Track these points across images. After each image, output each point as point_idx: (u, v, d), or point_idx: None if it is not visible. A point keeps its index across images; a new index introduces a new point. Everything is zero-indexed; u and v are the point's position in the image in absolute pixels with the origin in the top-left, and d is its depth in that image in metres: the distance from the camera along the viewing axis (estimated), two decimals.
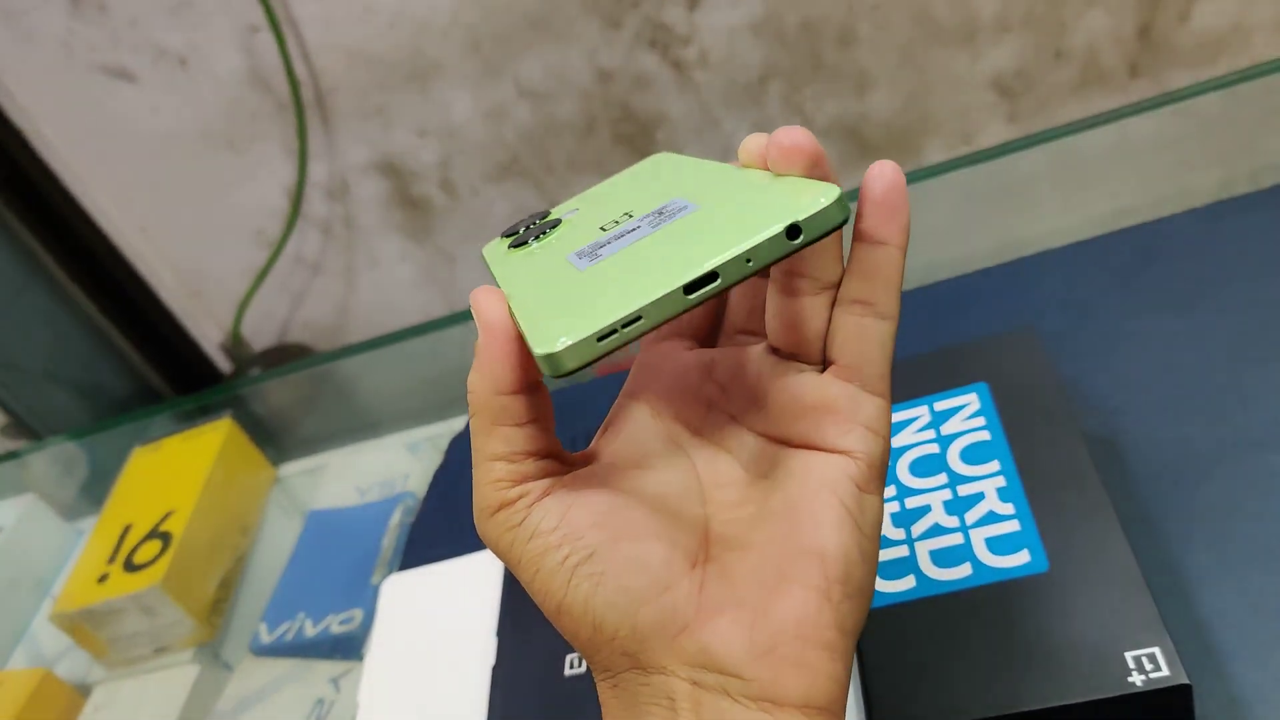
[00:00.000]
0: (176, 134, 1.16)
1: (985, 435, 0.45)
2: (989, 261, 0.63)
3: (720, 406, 0.34)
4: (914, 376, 0.49)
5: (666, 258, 0.29)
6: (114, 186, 1.19)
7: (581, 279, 0.30)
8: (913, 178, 0.75)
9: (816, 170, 0.30)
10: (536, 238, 0.36)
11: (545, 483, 0.32)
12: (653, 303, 0.27)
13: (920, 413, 0.47)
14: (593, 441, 0.34)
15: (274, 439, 0.79)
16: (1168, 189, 0.65)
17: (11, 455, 0.89)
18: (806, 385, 0.31)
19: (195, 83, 1.13)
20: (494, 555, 0.32)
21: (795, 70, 1.10)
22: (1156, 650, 0.36)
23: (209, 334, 1.28)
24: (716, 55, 1.09)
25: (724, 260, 0.27)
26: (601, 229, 0.33)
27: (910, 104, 1.10)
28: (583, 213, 0.37)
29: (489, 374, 0.31)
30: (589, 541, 0.30)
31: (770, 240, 0.27)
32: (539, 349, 0.28)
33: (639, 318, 0.27)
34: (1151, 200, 0.64)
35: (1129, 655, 0.37)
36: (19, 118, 1.13)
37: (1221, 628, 0.43)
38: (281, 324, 1.28)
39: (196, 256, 1.24)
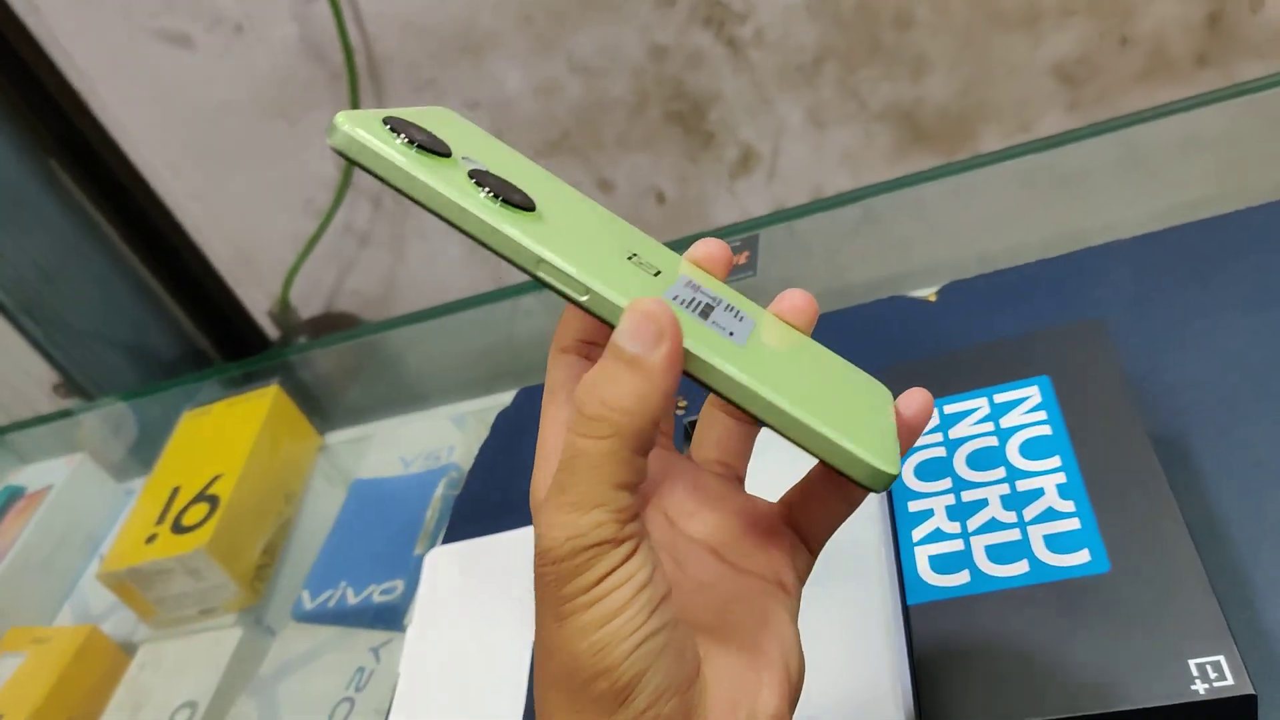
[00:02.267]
0: (231, 101, 1.16)
1: (1046, 430, 0.44)
2: (1048, 252, 0.61)
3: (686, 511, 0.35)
4: (974, 367, 0.48)
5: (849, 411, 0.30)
6: (169, 151, 1.20)
7: (808, 373, 0.32)
8: (971, 164, 0.73)
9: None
10: (523, 206, 0.31)
11: (640, 528, 0.29)
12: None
13: (980, 404, 0.46)
14: None
15: (321, 408, 0.79)
16: (1237, 182, 0.64)
17: (64, 414, 0.90)
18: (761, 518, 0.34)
19: (250, 50, 1.13)
20: (539, 587, 0.29)
21: (851, 52, 1.08)
22: (1221, 658, 0.35)
23: (258, 301, 1.29)
24: (772, 34, 1.08)
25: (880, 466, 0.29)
26: (640, 265, 0.32)
27: (968, 90, 1.08)
28: (522, 181, 0.33)
29: (657, 395, 0.28)
30: (667, 612, 0.29)
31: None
32: (878, 463, 0.28)
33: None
34: (1220, 194, 0.62)
35: (1192, 663, 0.35)
36: (78, 80, 1.14)
37: None
38: (329, 293, 1.28)
39: (247, 223, 1.25)
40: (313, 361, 0.87)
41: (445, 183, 0.30)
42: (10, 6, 1.08)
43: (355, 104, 1.13)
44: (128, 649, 0.67)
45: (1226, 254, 0.55)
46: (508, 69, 1.13)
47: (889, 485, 0.29)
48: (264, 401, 0.72)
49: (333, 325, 1.25)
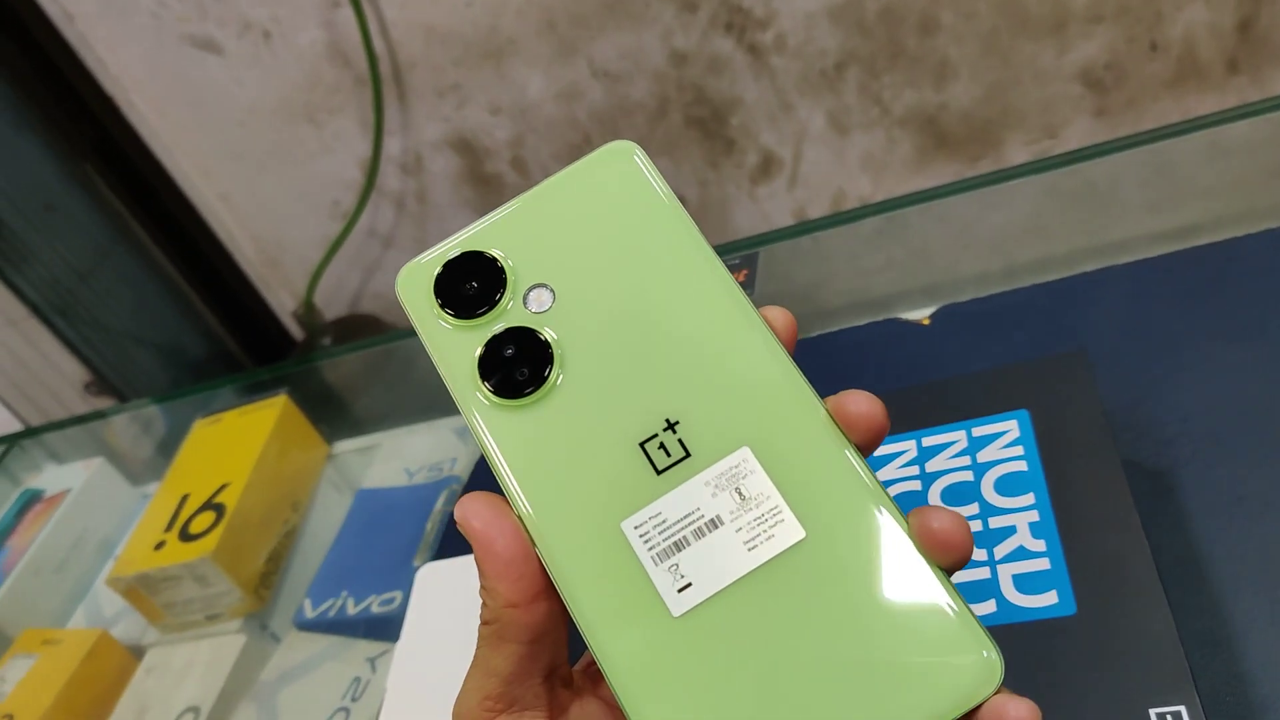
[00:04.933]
0: (259, 105, 1.18)
1: (1022, 465, 0.44)
2: (1051, 273, 0.61)
3: None
4: (954, 398, 0.47)
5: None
6: (199, 155, 1.22)
7: (682, 638, 0.26)
8: (977, 182, 0.72)
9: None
10: (527, 386, 0.28)
11: (532, 716, 0.29)
12: None
13: (958, 437, 0.46)
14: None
15: (330, 416, 0.80)
16: (1245, 204, 0.62)
17: (82, 419, 0.92)
18: None
19: (278, 55, 1.14)
20: None
21: (874, 58, 1.07)
22: (1183, 709, 0.35)
23: (284, 302, 1.31)
24: (794, 40, 1.07)
25: None
26: (648, 457, 0.27)
27: (992, 95, 1.07)
28: (578, 338, 0.29)
29: (496, 593, 0.27)
30: None
31: None
32: None
33: None
34: (1227, 216, 0.61)
35: (1154, 712, 0.35)
36: (111, 86, 1.16)
37: (1265, 682, 0.41)
38: (353, 295, 1.30)
39: (274, 226, 1.27)
40: (325, 370, 0.88)
41: (450, 365, 0.29)
42: (48, 16, 1.11)
43: (378, 109, 1.14)
44: (136, 652, 0.68)
45: (1219, 281, 0.54)
46: (530, 74, 1.13)
47: None
48: (272, 411, 0.73)
49: (356, 327, 1.27)
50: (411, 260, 0.30)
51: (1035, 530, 0.41)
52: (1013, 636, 0.39)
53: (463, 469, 0.71)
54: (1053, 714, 0.37)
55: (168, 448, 0.82)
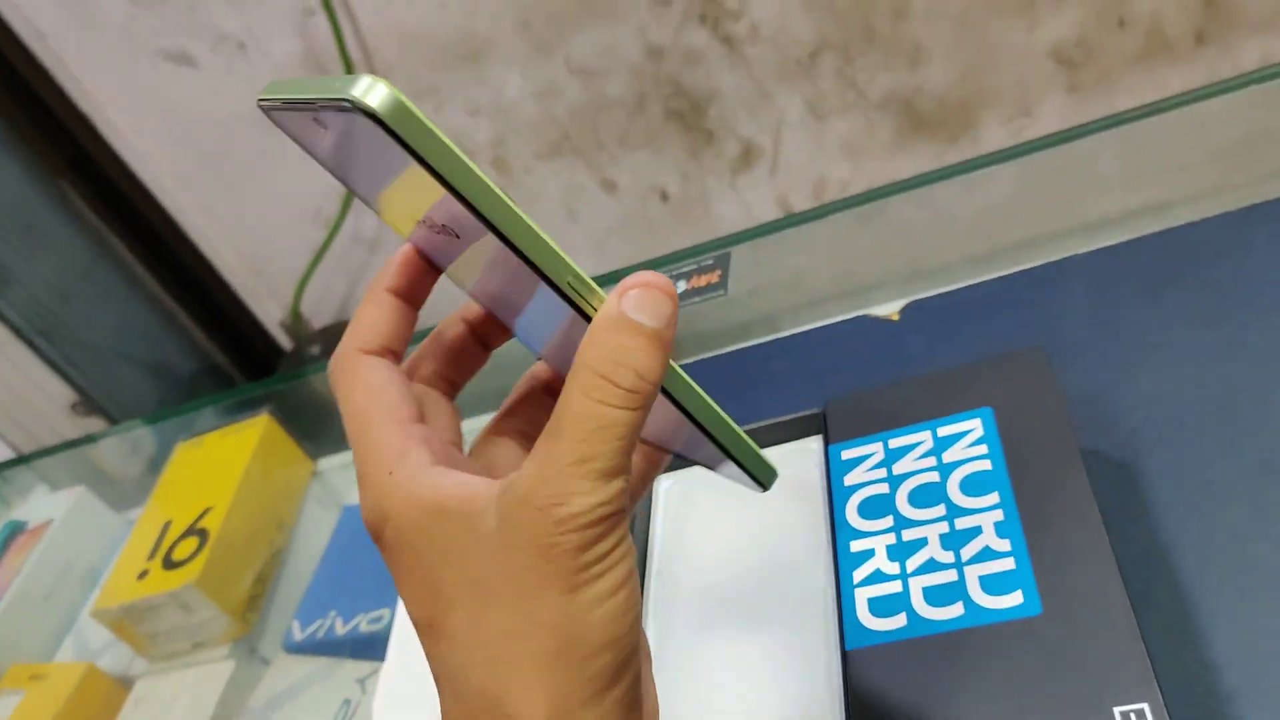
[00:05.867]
0: (236, 116, 1.18)
1: (987, 465, 0.44)
2: (1021, 262, 0.60)
3: None
4: (919, 399, 0.47)
5: None
6: (178, 169, 1.22)
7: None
8: (930, 178, 0.72)
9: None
10: None
11: None
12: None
13: (923, 438, 0.46)
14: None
15: (315, 432, 0.80)
16: (1221, 180, 0.62)
17: (62, 447, 0.93)
18: None
19: (254, 66, 1.14)
20: (550, 557, 0.28)
21: (848, 43, 1.07)
22: (1145, 706, 0.35)
23: (271, 312, 1.31)
24: (768, 29, 1.07)
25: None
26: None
27: (966, 76, 1.06)
28: None
29: (664, 354, 0.29)
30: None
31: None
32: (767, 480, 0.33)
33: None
34: (1188, 197, 0.61)
35: (1117, 710, 0.35)
36: (86, 104, 1.16)
37: (1233, 670, 0.41)
38: (341, 302, 1.30)
39: (258, 236, 1.27)
40: (309, 384, 0.88)
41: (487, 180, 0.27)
42: (17, 35, 1.10)
43: None
44: (125, 683, 0.68)
45: (1179, 268, 0.54)
46: (507, 74, 1.13)
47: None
48: (254, 431, 0.73)
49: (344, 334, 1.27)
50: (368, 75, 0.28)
51: (1000, 530, 0.41)
52: (980, 639, 0.39)
53: None
54: (1021, 713, 0.37)
55: (152, 470, 0.83)
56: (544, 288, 0.28)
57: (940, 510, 0.43)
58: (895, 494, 0.45)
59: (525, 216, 0.27)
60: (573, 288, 0.28)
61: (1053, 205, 0.72)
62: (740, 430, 0.33)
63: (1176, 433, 0.48)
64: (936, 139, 1.13)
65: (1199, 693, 0.41)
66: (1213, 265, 0.53)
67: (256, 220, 1.26)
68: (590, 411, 0.28)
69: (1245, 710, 0.40)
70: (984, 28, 1.04)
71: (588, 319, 0.29)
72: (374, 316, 0.33)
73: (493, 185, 0.27)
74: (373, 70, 1.15)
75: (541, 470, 0.28)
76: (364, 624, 0.65)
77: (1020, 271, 0.58)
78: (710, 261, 0.65)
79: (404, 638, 0.57)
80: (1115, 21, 1.00)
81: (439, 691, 0.30)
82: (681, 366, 0.31)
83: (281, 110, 0.29)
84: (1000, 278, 0.58)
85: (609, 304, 0.28)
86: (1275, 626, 0.41)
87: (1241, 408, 0.48)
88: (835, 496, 0.46)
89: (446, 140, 0.26)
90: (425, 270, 0.33)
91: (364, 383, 0.32)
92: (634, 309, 0.28)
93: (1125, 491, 0.47)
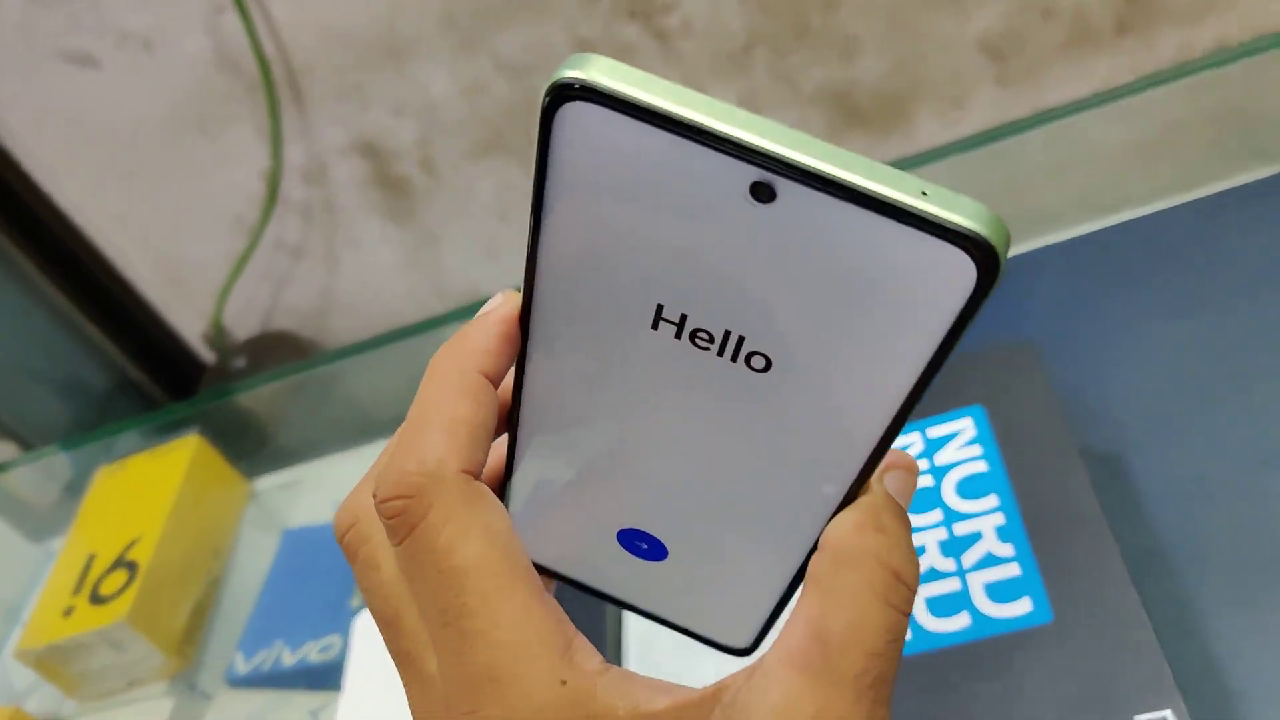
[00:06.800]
0: (145, 120, 1.12)
1: (983, 466, 0.42)
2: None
3: None
4: None
5: None
6: (84, 177, 1.16)
7: None
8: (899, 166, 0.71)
9: None
10: None
11: None
12: None
13: (913, 440, 0.44)
14: None
15: (248, 451, 0.76)
16: (1169, 174, 0.62)
17: None
18: None
19: (161, 66, 1.09)
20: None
21: (779, 37, 1.06)
22: (1168, 714, 0.34)
23: (190, 324, 1.25)
24: (700, 24, 1.05)
25: None
26: None
27: (899, 69, 1.06)
28: None
29: None
30: None
31: None
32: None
33: None
34: (1154, 188, 0.61)
35: (1138, 718, 0.34)
36: None
37: (1235, 666, 0.40)
38: (265, 311, 1.25)
39: (174, 245, 1.21)
40: (239, 400, 0.84)
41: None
42: None
43: (275, 116, 1.09)
44: None
45: (1156, 255, 0.53)
46: (433, 72, 1.10)
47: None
48: (184, 453, 0.69)
49: (270, 345, 1.22)
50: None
51: (1002, 534, 0.40)
52: (990, 651, 0.37)
53: None
54: None
55: (72, 496, 0.78)
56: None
57: (937, 515, 0.42)
58: None
59: None
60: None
61: (998, 198, 0.71)
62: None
63: (1163, 427, 0.47)
64: (871, 132, 1.13)
65: (1206, 690, 0.40)
66: (1182, 253, 0.53)
67: (171, 229, 1.21)
68: (889, 622, 0.21)
69: (1257, 706, 0.39)
70: (915, 20, 1.04)
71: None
72: (472, 414, 0.23)
73: None
74: (290, 69, 1.11)
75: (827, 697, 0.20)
76: (313, 653, 0.61)
77: None
78: None
79: (361, 665, 0.54)
80: (1041, 12, 1.01)
81: None
82: None
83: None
84: None
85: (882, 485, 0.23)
86: (1277, 620, 0.41)
87: (1225, 396, 0.47)
88: None
89: None
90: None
91: (483, 527, 0.22)
92: (899, 492, 0.23)
93: (1115, 487, 0.46)
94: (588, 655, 0.22)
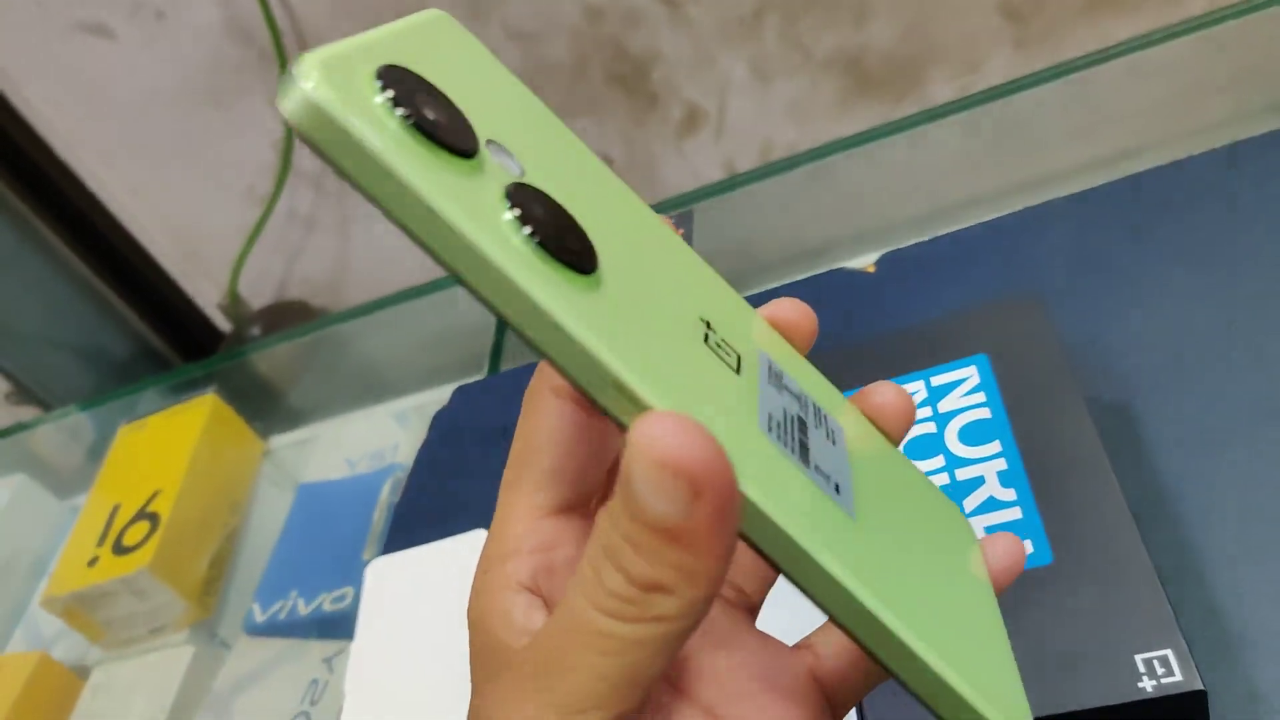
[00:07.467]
0: (159, 90, 1.13)
1: (986, 413, 0.43)
2: (996, 208, 0.60)
3: None
4: (909, 347, 0.46)
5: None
6: (101, 147, 1.17)
7: (870, 539, 0.22)
8: (910, 122, 0.71)
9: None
10: (586, 260, 0.20)
11: None
12: None
13: (916, 388, 0.45)
14: None
15: (263, 411, 0.77)
16: (1185, 125, 0.62)
17: (1, 434, 0.88)
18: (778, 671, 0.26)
19: (174, 36, 1.09)
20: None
21: (790, 2, 1.05)
22: (1169, 653, 0.34)
23: (207, 294, 1.26)
24: None
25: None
26: (719, 356, 0.22)
27: (912, 32, 1.06)
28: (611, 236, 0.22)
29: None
30: None
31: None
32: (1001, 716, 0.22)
33: None
34: (1167, 138, 0.61)
35: (1139, 658, 0.34)
36: (1, 82, 1.10)
37: (1239, 615, 0.40)
38: (279, 281, 1.26)
39: (189, 216, 1.22)
40: (254, 364, 0.85)
41: (466, 215, 0.19)
42: None
43: None
44: (81, 672, 0.66)
45: (1166, 209, 0.53)
46: None
47: None
48: (201, 411, 0.70)
49: (284, 314, 1.23)
50: (316, 53, 0.19)
51: (1004, 479, 0.40)
52: None
53: (405, 455, 0.69)
54: (1037, 667, 0.36)
55: (93, 456, 0.79)
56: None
57: (939, 461, 0.42)
58: None
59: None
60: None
61: (1013, 155, 0.71)
62: (962, 682, 0.22)
63: (1172, 378, 0.47)
64: (883, 98, 1.12)
65: (1210, 636, 0.40)
66: (1191, 205, 0.53)
67: (186, 199, 1.21)
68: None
69: (1258, 652, 0.39)
70: None
71: None
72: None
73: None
74: (301, 37, 1.11)
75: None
76: (327, 603, 0.62)
77: (998, 218, 0.57)
78: (673, 219, 0.63)
79: (372, 614, 0.55)
80: None
81: None
82: None
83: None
84: (977, 225, 0.57)
85: None
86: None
87: (1233, 347, 0.47)
88: None
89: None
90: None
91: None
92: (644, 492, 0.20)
93: (1121, 437, 0.46)
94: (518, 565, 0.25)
